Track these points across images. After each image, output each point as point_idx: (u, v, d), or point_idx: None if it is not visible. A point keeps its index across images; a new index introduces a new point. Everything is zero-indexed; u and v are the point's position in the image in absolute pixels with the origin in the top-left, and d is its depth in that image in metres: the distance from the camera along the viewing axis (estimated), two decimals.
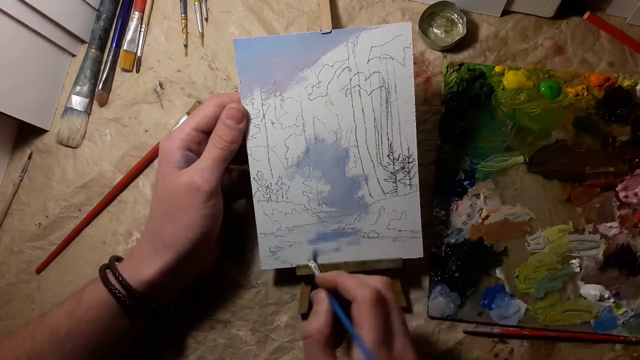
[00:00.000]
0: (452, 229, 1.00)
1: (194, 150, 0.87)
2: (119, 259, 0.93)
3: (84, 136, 1.07)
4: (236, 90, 1.01)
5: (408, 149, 0.89)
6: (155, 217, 0.87)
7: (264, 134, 0.89)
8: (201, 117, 0.87)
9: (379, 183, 0.91)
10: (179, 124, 0.96)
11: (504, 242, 0.99)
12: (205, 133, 0.87)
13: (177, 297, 0.93)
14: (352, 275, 0.81)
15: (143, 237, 0.89)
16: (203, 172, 0.84)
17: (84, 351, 0.86)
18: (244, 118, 0.87)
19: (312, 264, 0.91)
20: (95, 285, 0.86)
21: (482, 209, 1.00)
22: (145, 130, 1.06)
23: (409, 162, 0.90)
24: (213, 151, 0.85)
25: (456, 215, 1.01)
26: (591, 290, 0.98)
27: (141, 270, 0.85)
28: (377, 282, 0.79)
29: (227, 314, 1.01)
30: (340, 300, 0.80)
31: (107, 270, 0.87)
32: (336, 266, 0.93)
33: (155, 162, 1.04)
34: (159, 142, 0.92)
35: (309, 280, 0.96)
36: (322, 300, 0.81)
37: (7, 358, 0.85)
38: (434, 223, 1.00)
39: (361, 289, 0.76)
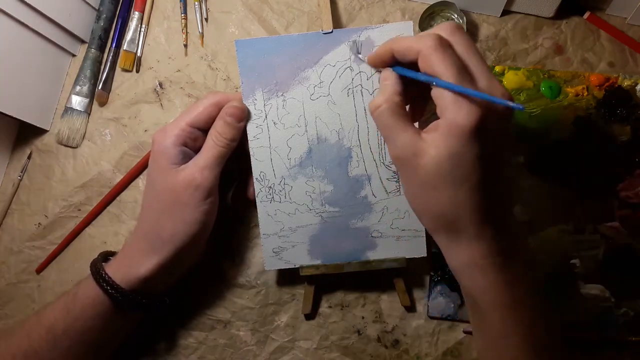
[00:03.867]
0: None
1: (190, 146, 0.88)
2: (110, 254, 0.95)
3: (84, 136, 1.07)
4: (237, 91, 1.03)
5: None
6: (151, 214, 0.88)
7: (266, 135, 0.90)
8: (196, 114, 0.88)
9: (382, 182, 0.91)
10: None
11: None
12: (200, 130, 0.89)
13: (172, 289, 0.94)
14: (406, 37, 0.76)
15: (137, 233, 0.89)
16: (204, 170, 0.85)
17: (82, 348, 0.87)
18: (245, 117, 0.88)
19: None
20: (89, 282, 0.87)
21: None
22: (145, 130, 1.06)
23: None
24: (214, 149, 0.86)
25: None
26: (591, 291, 0.98)
27: (137, 266, 0.86)
28: (435, 29, 0.71)
29: (227, 314, 1.01)
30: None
31: (98, 267, 0.88)
32: (339, 266, 0.94)
33: None
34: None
35: (313, 281, 0.97)
36: (386, 75, 0.75)
37: (4, 357, 0.86)
38: None
39: (420, 40, 0.68)
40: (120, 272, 0.86)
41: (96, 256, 0.93)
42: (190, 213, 0.85)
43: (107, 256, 0.93)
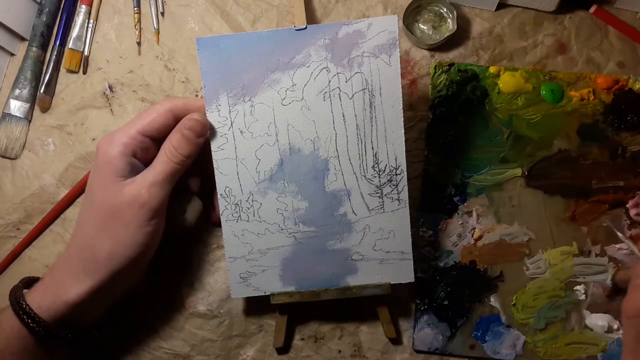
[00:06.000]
0: (441, 251, 0.95)
1: (140, 157, 0.83)
2: (35, 279, 0.87)
3: (23, 146, 1.00)
4: (197, 95, 0.98)
5: (395, 159, 0.84)
6: (87, 230, 0.81)
7: (232, 145, 0.84)
8: (150, 121, 0.82)
9: (363, 198, 0.85)
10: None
11: (499, 265, 0.94)
12: (153, 140, 0.83)
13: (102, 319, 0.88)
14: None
15: (68, 252, 0.82)
16: (152, 186, 0.79)
17: None
18: (206, 132, 0.82)
19: None
20: (9, 313, 0.80)
21: (475, 228, 0.95)
22: (93, 139, 0.99)
23: (396, 174, 0.84)
24: (166, 164, 0.80)
25: (445, 235, 0.95)
26: (598, 321, 0.92)
27: (66, 291, 0.79)
28: None
29: (186, 348, 0.95)
30: None
31: (18, 296, 0.81)
32: (315, 293, 0.88)
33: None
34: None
35: (285, 310, 0.91)
36: None
37: None
38: (421, 244, 0.94)
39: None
40: (47, 298, 0.79)
41: (17, 282, 0.85)
42: (132, 234, 0.79)
43: (31, 282, 0.85)
